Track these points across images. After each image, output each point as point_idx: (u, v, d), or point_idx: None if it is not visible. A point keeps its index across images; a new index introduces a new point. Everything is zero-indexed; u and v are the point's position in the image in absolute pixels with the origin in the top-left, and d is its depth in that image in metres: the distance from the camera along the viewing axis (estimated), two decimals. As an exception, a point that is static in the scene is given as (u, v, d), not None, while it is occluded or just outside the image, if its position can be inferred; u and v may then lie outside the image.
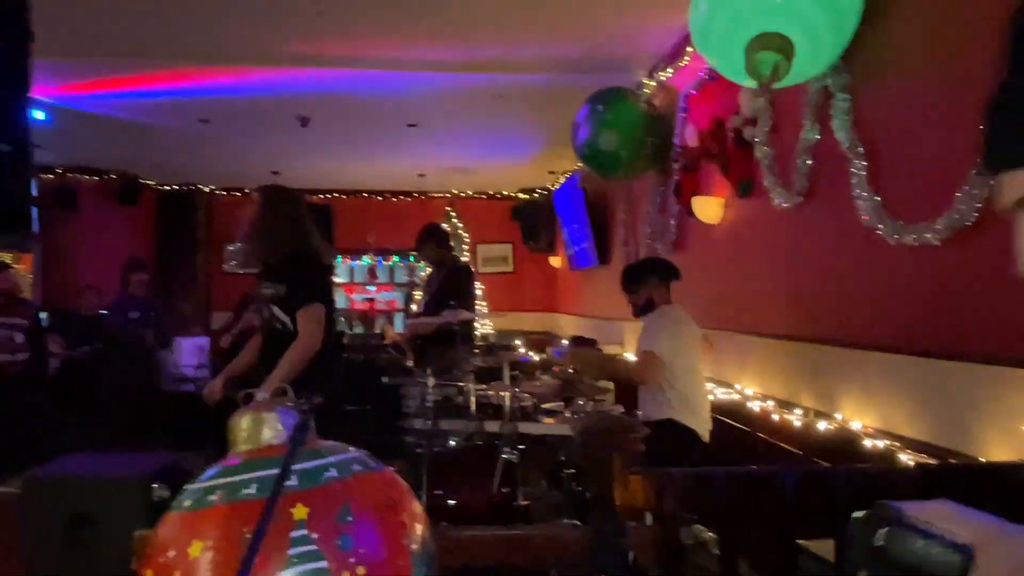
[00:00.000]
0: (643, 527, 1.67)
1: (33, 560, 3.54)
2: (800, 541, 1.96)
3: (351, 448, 1.41)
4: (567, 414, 3.47)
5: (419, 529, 1.36)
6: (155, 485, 3.61)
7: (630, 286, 3.78)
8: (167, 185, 9.70)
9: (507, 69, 5.29)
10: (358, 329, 10.40)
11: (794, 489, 1.73)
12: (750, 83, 2.93)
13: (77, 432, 5.79)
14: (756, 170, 3.73)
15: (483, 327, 9.34)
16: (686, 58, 4.65)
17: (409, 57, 5.10)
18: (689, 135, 4.67)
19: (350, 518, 1.24)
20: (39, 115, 6.06)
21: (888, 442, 2.63)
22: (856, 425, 2.83)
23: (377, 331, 10.12)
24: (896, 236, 2.58)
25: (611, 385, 4.31)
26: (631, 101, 5.11)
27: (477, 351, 4.99)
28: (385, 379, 4.36)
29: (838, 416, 2.97)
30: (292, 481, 1.26)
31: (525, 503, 3.25)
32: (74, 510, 3.46)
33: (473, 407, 3.41)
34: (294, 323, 3.17)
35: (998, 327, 2.23)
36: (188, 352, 6.94)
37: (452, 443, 3.58)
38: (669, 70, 4.94)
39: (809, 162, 3.22)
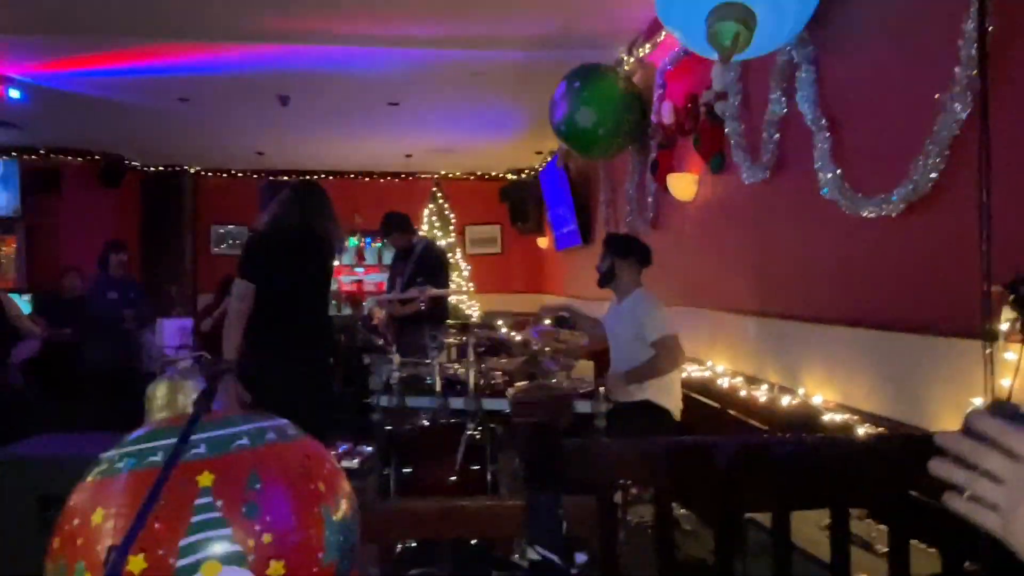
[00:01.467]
0: (579, 499, 1.66)
1: (4, 539, 3.55)
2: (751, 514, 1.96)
3: (272, 418, 1.40)
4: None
5: (339, 499, 1.35)
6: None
7: (611, 254, 3.71)
8: (152, 166, 9.64)
9: (485, 46, 5.24)
10: (347, 311, 10.38)
11: (731, 461, 1.72)
12: (713, 55, 2.89)
13: (57, 413, 5.78)
14: (727, 145, 3.69)
15: (469, 308, 9.33)
16: (663, 34, 4.59)
17: (387, 33, 5.05)
18: (666, 112, 4.63)
19: (258, 486, 1.22)
20: (15, 94, 6.00)
21: (847, 416, 2.62)
22: (817, 400, 2.82)
23: (365, 313, 10.09)
24: (855, 208, 2.55)
25: (589, 365, 4.29)
26: (609, 78, 5.06)
27: (452, 330, 4.96)
28: (367, 359, 4.35)
29: (801, 391, 2.96)
30: (200, 449, 1.24)
31: (492, 479, 3.25)
32: (44, 491, 3.47)
33: (439, 385, 3.39)
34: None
35: (952, 298, 2.22)
36: (170, 333, 6.92)
37: (422, 421, 3.57)
38: (647, 46, 4.89)
39: (776, 136, 3.19)
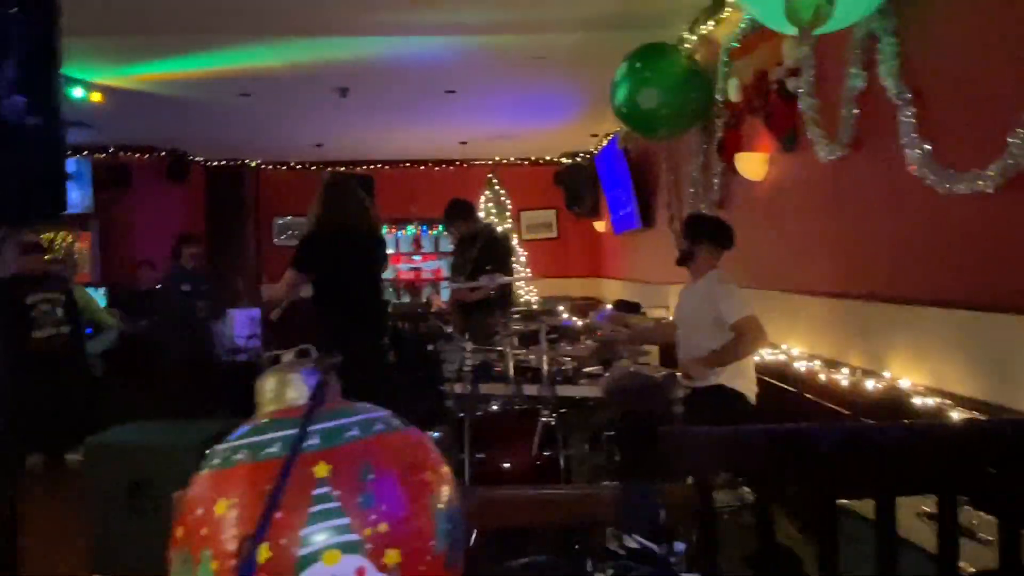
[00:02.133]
0: (675, 486, 1.64)
1: (97, 522, 3.71)
2: (841, 501, 1.91)
3: (376, 409, 1.42)
4: (606, 376, 3.43)
5: (444, 488, 1.36)
6: (207, 451, 3.72)
7: (692, 234, 3.66)
8: (215, 160, 9.87)
9: (543, 29, 5.19)
10: (405, 299, 10.49)
11: (830, 448, 1.68)
12: (791, 30, 2.80)
13: (137, 403, 5.99)
14: (800, 123, 3.59)
15: (527, 293, 9.33)
16: (727, 10, 4.48)
17: (445, 21, 5.04)
18: (732, 90, 4.52)
19: (371, 476, 1.24)
20: (92, 96, 6.20)
21: (939, 400, 2.54)
22: (905, 383, 2.74)
23: (424, 300, 10.20)
24: (947, 185, 2.46)
25: (653, 348, 4.25)
26: (671, 57, 4.97)
27: (517, 316, 4.97)
28: (431, 347, 4.40)
29: (886, 374, 2.88)
30: (314, 440, 1.26)
31: (567, 466, 3.25)
32: (133, 476, 3.61)
33: (511, 371, 3.40)
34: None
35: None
36: (240, 323, 7.10)
37: (493, 407, 3.59)
38: (710, 23, 4.77)
39: (855, 111, 3.08)
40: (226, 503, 1.24)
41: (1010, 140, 2.17)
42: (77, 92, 6.06)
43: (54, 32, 1.88)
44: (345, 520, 1.20)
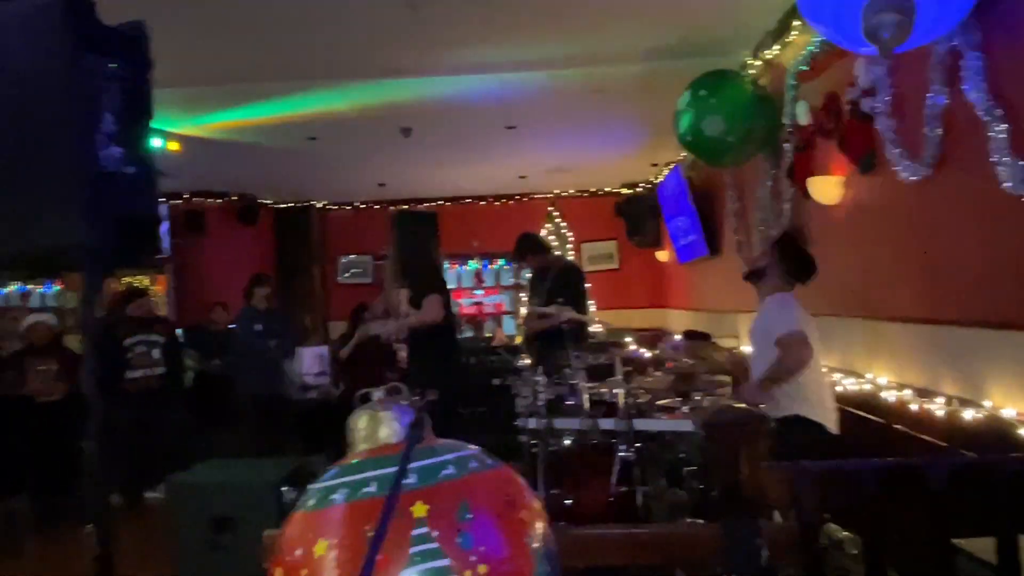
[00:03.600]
0: (779, 525, 1.57)
1: (180, 559, 3.77)
2: (955, 541, 1.79)
3: (466, 445, 1.39)
4: (684, 409, 3.34)
5: (539, 527, 1.32)
6: (284, 488, 3.77)
7: (771, 254, 3.56)
8: (282, 202, 10.16)
9: (602, 62, 5.21)
10: (468, 333, 10.52)
11: (946, 483, 1.58)
12: (868, 50, 2.73)
13: (213, 441, 6.13)
14: (878, 143, 3.48)
15: (594, 325, 9.24)
16: (792, 33, 4.41)
17: (504, 58, 5.10)
18: (801, 113, 4.44)
19: (469, 515, 1.21)
20: (172, 146, 6.47)
21: (1048, 429, 2.38)
22: (1009, 412, 2.59)
23: (487, 334, 10.22)
24: (1048, 202, 2.33)
25: (728, 379, 4.13)
26: (736, 83, 4.92)
27: (587, 349, 4.92)
28: (496, 381, 4.37)
29: (986, 403, 2.72)
30: (410, 479, 1.24)
31: (644, 502, 3.17)
32: (215, 513, 3.68)
33: (586, 405, 3.35)
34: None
35: None
36: (309, 361, 7.24)
37: (567, 442, 3.53)
38: (775, 47, 4.71)
39: (939, 130, 2.97)
40: (325, 544, 1.22)
41: (1118, 152, 2.05)
42: (156, 142, 6.32)
43: (147, 85, 1.96)
44: (445, 561, 1.18)
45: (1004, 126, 2.55)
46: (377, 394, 1.49)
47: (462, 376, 4.27)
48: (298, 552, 1.25)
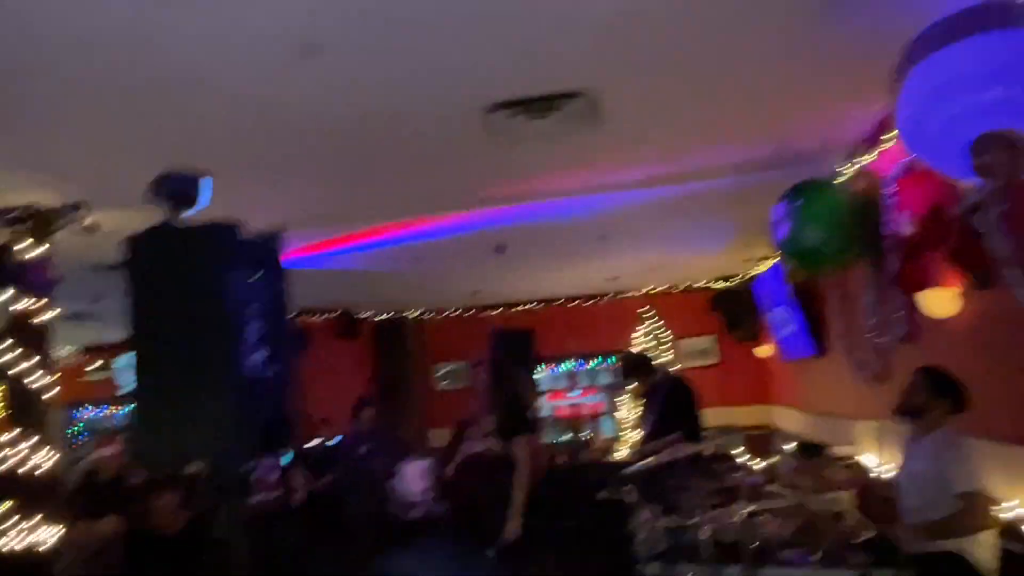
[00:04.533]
0: None
1: None
2: None
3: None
4: (817, 555, 3.19)
5: None
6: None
7: (928, 390, 3.44)
8: (380, 315, 10.53)
9: (695, 178, 5.28)
10: (565, 436, 10.43)
11: None
12: (976, 181, 2.70)
13: (323, 559, 6.22)
14: (991, 259, 3.36)
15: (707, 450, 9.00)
16: (888, 142, 4.38)
17: (595, 183, 5.25)
18: (903, 222, 4.34)
19: None
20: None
21: None
22: None
23: (585, 436, 10.11)
24: None
25: (855, 507, 3.94)
26: (831, 191, 4.87)
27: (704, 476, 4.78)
28: (603, 494, 4.32)
29: None
30: None
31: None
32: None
33: (709, 548, 3.24)
34: None
35: None
36: (413, 478, 7.31)
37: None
38: (870, 155, 4.67)
39: (1060, 250, 2.86)
40: None
41: None
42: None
43: (285, 291, 2.13)
44: None
45: None
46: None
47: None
48: None
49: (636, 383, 5.42)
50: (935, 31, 2.57)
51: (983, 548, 3.09)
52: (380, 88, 3.42)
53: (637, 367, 5.35)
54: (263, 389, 1.96)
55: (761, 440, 8.10)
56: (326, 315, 9.84)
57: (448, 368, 10.81)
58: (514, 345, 7.29)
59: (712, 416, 9.24)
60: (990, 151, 2.48)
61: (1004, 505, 3.46)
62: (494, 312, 10.61)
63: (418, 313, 10.83)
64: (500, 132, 3.94)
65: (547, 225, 6.25)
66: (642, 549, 3.46)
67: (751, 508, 3.19)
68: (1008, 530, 3.39)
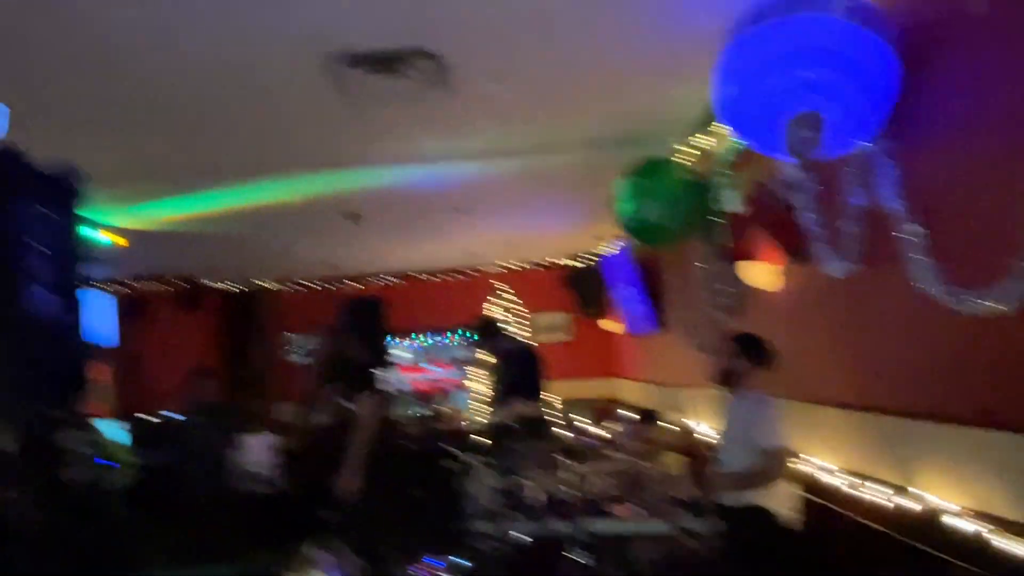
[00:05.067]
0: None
1: None
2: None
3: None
4: (639, 509, 3.37)
5: None
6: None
7: (741, 355, 3.67)
8: (227, 285, 10.06)
9: (545, 152, 5.38)
10: (418, 409, 10.43)
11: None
12: (789, 158, 2.90)
13: (158, 538, 5.90)
14: (805, 235, 3.65)
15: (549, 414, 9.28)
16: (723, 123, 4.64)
17: (449, 149, 5.24)
18: (734, 201, 4.63)
19: None
20: (116, 239, 6.40)
21: (980, 524, 2.48)
22: (940, 503, 2.68)
23: (436, 411, 10.16)
24: (960, 303, 2.48)
25: (681, 466, 4.19)
26: (669, 170, 5.11)
27: (542, 439, 4.92)
28: (447, 464, 4.36)
29: (921, 494, 2.82)
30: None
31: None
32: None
33: (538, 503, 3.34)
34: None
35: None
36: (257, 451, 7.06)
37: (521, 539, 3.51)
38: (706, 135, 4.94)
39: (859, 229, 3.14)
40: None
41: (1017, 263, 2.20)
42: (102, 237, 6.26)
43: (79, 231, 1.97)
44: None
45: (918, 228, 2.72)
46: (314, 553, 1.49)
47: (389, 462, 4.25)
48: None
49: (487, 347, 5.50)
50: (752, 11, 2.73)
51: (783, 500, 3.37)
52: (223, 36, 3.24)
53: (489, 332, 5.44)
54: (52, 333, 1.81)
55: (605, 411, 8.44)
56: (169, 284, 9.26)
57: (302, 341, 10.49)
58: (363, 313, 7.14)
59: (564, 389, 9.60)
60: (799, 130, 2.67)
61: (807, 459, 3.79)
62: (352, 285, 10.40)
63: (271, 284, 10.43)
64: (348, 89, 3.84)
65: (401, 193, 6.18)
66: (476, 508, 3.51)
67: (583, 468, 3.31)
68: (808, 482, 3.72)
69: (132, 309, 8.93)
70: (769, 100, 2.74)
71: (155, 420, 7.34)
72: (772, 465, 3.28)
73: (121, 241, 6.33)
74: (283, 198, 6.03)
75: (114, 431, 6.93)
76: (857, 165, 3.09)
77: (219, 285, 9.93)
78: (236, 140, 4.71)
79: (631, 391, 9.00)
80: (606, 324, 9.84)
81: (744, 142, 3.35)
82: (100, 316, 8.82)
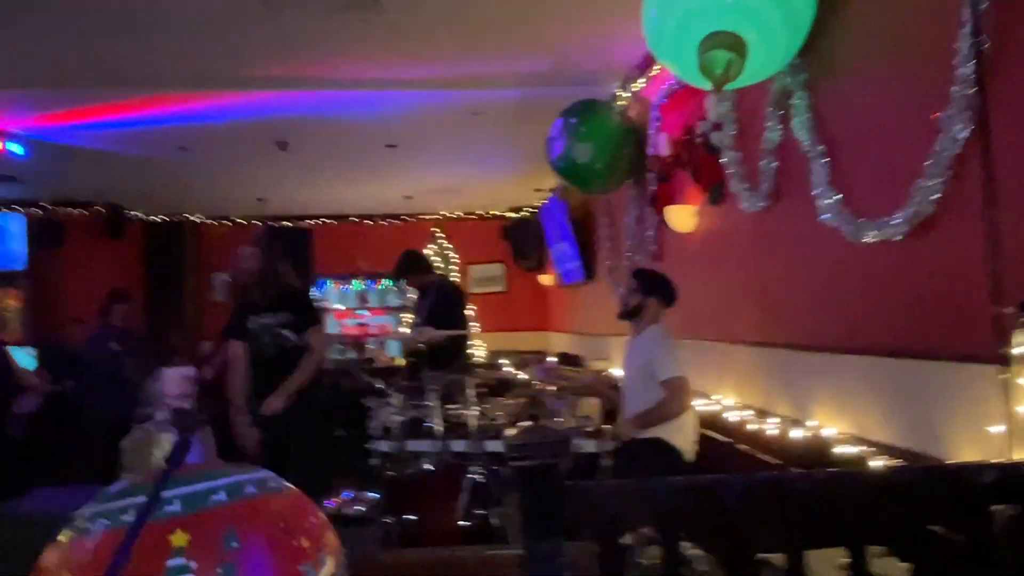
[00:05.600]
0: (580, 544, 1.57)
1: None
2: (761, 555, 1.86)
3: (253, 470, 1.33)
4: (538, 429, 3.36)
5: (324, 555, 1.27)
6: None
7: (641, 290, 3.64)
8: (153, 216, 9.69)
9: (481, 85, 5.25)
10: (350, 354, 10.30)
11: (741, 499, 1.63)
12: (706, 84, 2.87)
13: (59, 466, 5.72)
14: (725, 176, 3.66)
15: (473, 348, 9.26)
16: (656, 68, 4.59)
17: (382, 76, 5.07)
18: (662, 144, 4.61)
19: (235, 544, 1.15)
20: (16, 148, 6.04)
21: (861, 448, 2.53)
22: (829, 432, 2.74)
23: (368, 356, 10.03)
24: (857, 234, 2.50)
25: (595, 406, 4.20)
26: (604, 113, 5.07)
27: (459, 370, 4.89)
28: (364, 401, 4.29)
29: (812, 423, 2.87)
30: (174, 506, 1.17)
31: (500, 524, 3.15)
32: (36, 547, 3.40)
33: (439, 427, 3.31)
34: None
35: (963, 322, 2.15)
36: (173, 382, 6.85)
37: (425, 466, 3.48)
38: (641, 80, 4.89)
39: (774, 164, 3.15)
40: (70, 576, 1.14)
41: (913, 189, 2.22)
42: (15, 148, 5.91)
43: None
44: (203, 594, 1.11)
45: (824, 161, 2.73)
46: (159, 415, 1.41)
47: (318, 400, 4.10)
48: (44, 586, 1.16)
49: (411, 282, 5.41)
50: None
51: (683, 434, 3.40)
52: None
53: (411, 266, 5.35)
54: None
55: (529, 360, 8.46)
56: (88, 209, 8.85)
57: (227, 279, 10.19)
58: (289, 244, 6.97)
59: (497, 341, 9.60)
60: (714, 49, 2.62)
61: (713, 398, 3.84)
62: (287, 224, 10.14)
63: (199, 218, 10.07)
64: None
65: (330, 121, 5.98)
66: (376, 429, 3.46)
67: (493, 400, 3.28)
68: (715, 421, 3.77)
69: (48, 233, 8.52)
70: (687, 20, 2.68)
71: (66, 347, 7.05)
72: (671, 396, 3.29)
73: (17, 149, 5.97)
74: (207, 118, 5.77)
75: (22, 357, 6.68)
76: (774, 97, 3.08)
77: (142, 215, 9.55)
78: (151, 46, 4.44)
79: (562, 343, 9.04)
80: (543, 279, 9.84)
81: (669, 69, 3.30)
82: (6, 237, 8.44)
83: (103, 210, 8.83)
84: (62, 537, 1.23)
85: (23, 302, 8.39)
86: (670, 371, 3.31)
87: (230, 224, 10.23)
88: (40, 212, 8.59)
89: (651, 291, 3.58)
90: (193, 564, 1.11)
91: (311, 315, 4.29)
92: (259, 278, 4.27)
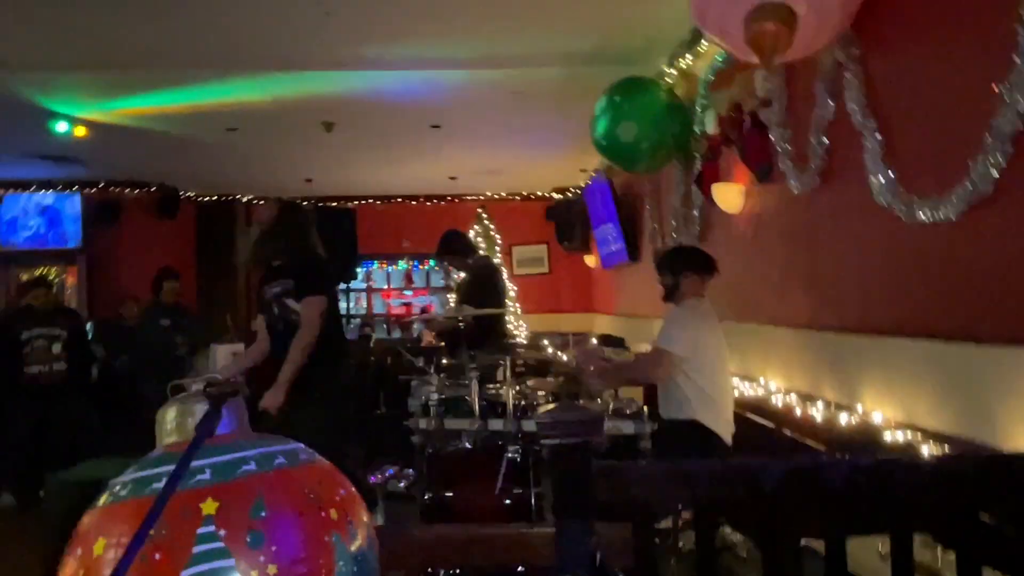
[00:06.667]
0: (612, 526, 1.55)
1: (47, 561, 3.59)
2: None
3: (284, 441, 1.34)
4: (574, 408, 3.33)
5: (355, 528, 1.27)
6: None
7: (660, 272, 3.59)
8: (205, 196, 9.88)
9: (522, 64, 5.20)
10: (396, 334, 10.41)
11: (778, 485, 1.59)
12: (755, 58, 2.78)
13: (114, 438, 5.90)
14: (774, 154, 3.55)
15: (516, 328, 9.26)
16: (704, 44, 4.48)
17: (422, 55, 5.06)
18: (709, 122, 4.51)
19: (264, 513, 1.16)
20: (77, 130, 6.21)
21: (910, 434, 2.45)
22: (878, 417, 2.65)
23: (415, 336, 10.11)
24: (910, 213, 2.40)
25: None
26: (650, 90, 4.96)
27: (495, 351, 4.88)
28: (402, 378, 4.31)
29: (859, 408, 2.79)
30: (205, 475, 1.19)
31: (537, 503, 3.15)
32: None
33: (477, 406, 3.31)
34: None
35: (1021, 306, 2.05)
36: (223, 358, 7.02)
37: (464, 444, 3.49)
38: (688, 57, 4.78)
39: (825, 141, 3.05)
40: (104, 542, 1.16)
41: (970, 166, 2.12)
42: (61, 127, 6.08)
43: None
44: (230, 561, 1.12)
45: (878, 138, 2.62)
46: (195, 386, 1.42)
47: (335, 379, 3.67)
48: (79, 551, 1.19)
49: (449, 263, 5.40)
50: None
51: (720, 420, 3.31)
52: None
53: (451, 247, 5.32)
54: None
55: (574, 342, 8.41)
56: (143, 189, 9.07)
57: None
58: (334, 223, 7.03)
59: (541, 322, 9.58)
60: (763, 21, 2.54)
61: (758, 381, 3.76)
62: (331, 204, 10.25)
63: (249, 198, 10.25)
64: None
65: (375, 102, 5.99)
66: (415, 406, 3.48)
67: (522, 371, 3.26)
68: (757, 404, 3.70)
69: (104, 212, 8.78)
70: (735, -9, 2.60)
71: (121, 323, 7.27)
72: (645, 359, 3.22)
73: (81, 131, 6.14)
74: (255, 98, 5.84)
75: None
76: (825, 72, 2.97)
77: (194, 195, 9.75)
78: (203, 27, 4.50)
79: (606, 325, 8.97)
80: (588, 260, 9.77)
81: (715, 44, 3.21)
82: (64, 216, 8.71)
83: (157, 190, 9.05)
84: (99, 502, 1.26)
85: (79, 279, 8.66)
86: (660, 340, 3.27)
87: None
88: (96, 192, 8.84)
89: (678, 268, 3.49)
90: (222, 531, 1.12)
91: (311, 281, 3.63)
92: (270, 232, 3.84)
